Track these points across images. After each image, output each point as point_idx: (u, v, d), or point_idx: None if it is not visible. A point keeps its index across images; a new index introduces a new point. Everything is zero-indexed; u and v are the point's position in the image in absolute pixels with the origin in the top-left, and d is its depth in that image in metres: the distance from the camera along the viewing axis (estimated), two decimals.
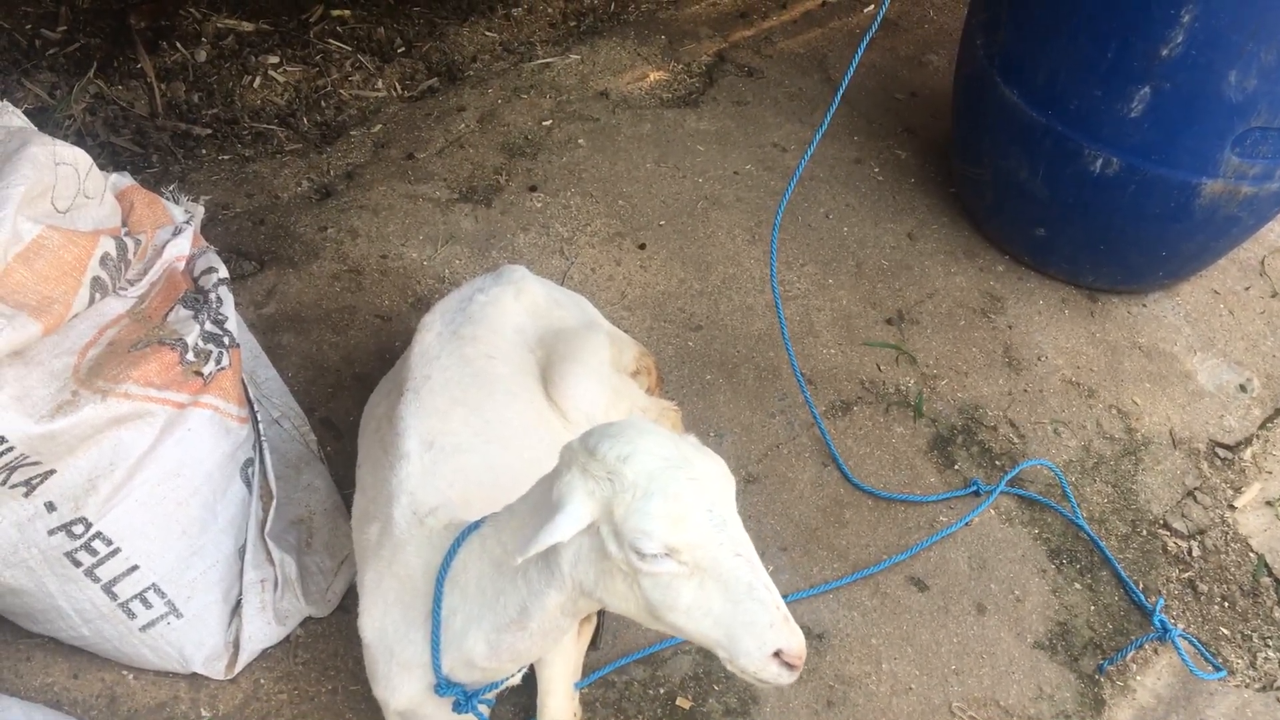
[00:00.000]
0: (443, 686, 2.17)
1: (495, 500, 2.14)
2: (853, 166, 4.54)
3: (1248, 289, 4.27)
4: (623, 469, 1.76)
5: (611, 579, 1.83)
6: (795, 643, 1.78)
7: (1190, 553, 3.38)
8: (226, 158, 4.20)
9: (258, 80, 4.51)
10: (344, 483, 3.06)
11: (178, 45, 4.55)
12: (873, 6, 5.42)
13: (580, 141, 4.47)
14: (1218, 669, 3.09)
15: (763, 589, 1.77)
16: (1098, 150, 3.57)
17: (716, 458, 1.88)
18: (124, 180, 2.89)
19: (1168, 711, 3.01)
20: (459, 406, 2.47)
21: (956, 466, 3.49)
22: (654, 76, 4.89)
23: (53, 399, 2.33)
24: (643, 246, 4.04)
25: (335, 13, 4.86)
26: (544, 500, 1.88)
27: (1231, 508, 3.53)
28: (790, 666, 1.79)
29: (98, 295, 2.49)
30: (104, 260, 2.50)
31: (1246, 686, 3.09)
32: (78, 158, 2.58)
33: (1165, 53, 3.26)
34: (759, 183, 4.39)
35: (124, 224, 2.76)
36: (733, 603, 1.77)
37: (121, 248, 2.57)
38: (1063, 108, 3.60)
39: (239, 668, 2.72)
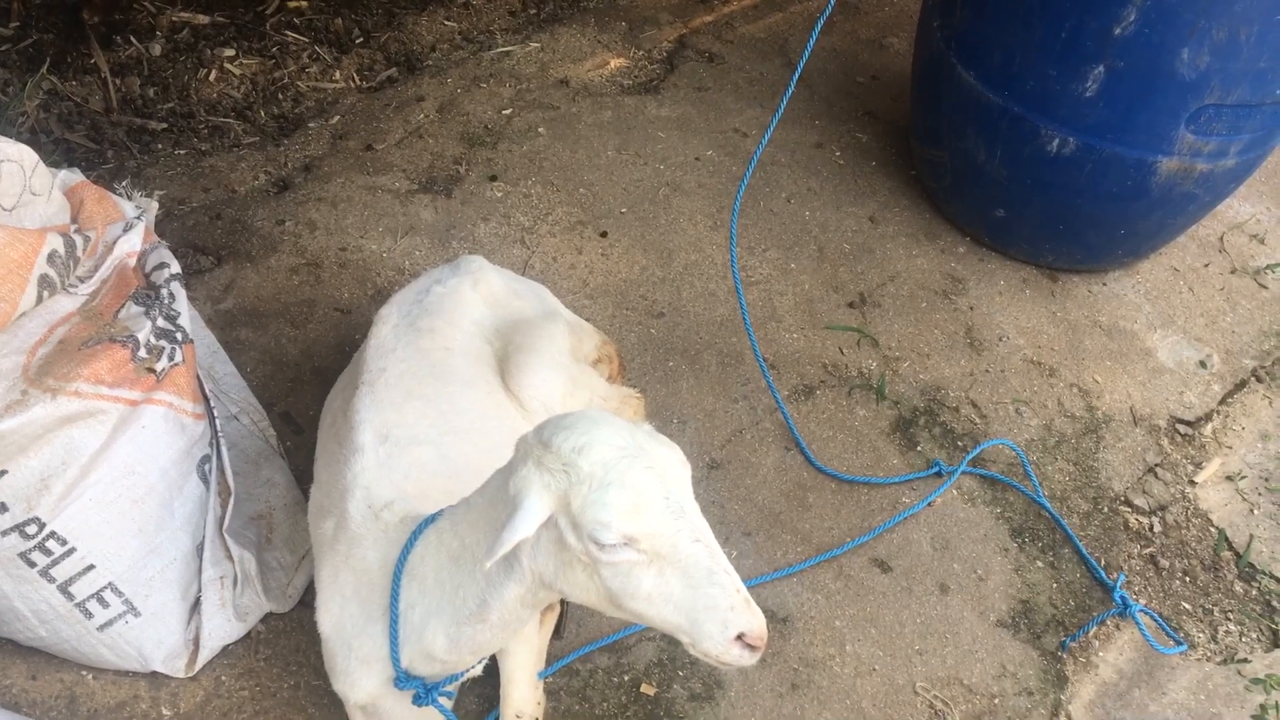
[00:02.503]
0: (402, 680, 2.17)
1: (452, 492, 2.13)
2: (814, 151, 4.54)
3: (1207, 266, 4.30)
4: (578, 460, 1.76)
5: (571, 569, 1.83)
6: (756, 624, 1.79)
7: (1151, 529, 3.41)
8: (182, 152, 4.16)
9: (213, 73, 4.47)
10: (304, 478, 3.03)
11: (132, 39, 4.50)
12: None
13: (540, 130, 4.45)
14: (1179, 643, 3.12)
15: (722, 573, 1.78)
16: (1054, 130, 3.59)
17: (672, 445, 1.88)
18: (73, 177, 2.85)
19: (1130, 686, 3.04)
20: (414, 399, 2.46)
21: (919, 448, 3.50)
22: (614, 63, 4.87)
23: (1, 399, 2.30)
24: (604, 234, 4.03)
25: (291, 4, 4.82)
26: (500, 494, 1.88)
27: (1192, 483, 3.55)
28: (752, 648, 1.81)
29: (46, 293, 2.46)
30: (52, 258, 2.46)
31: (1208, 660, 3.12)
32: (23, 154, 2.54)
33: (1118, 31, 3.28)
34: (720, 168, 4.39)
35: (73, 221, 2.72)
36: (693, 588, 1.78)
37: (70, 245, 2.54)
38: (1019, 88, 3.62)
39: (199, 665, 2.71)
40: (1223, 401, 3.82)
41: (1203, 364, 3.92)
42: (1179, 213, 3.81)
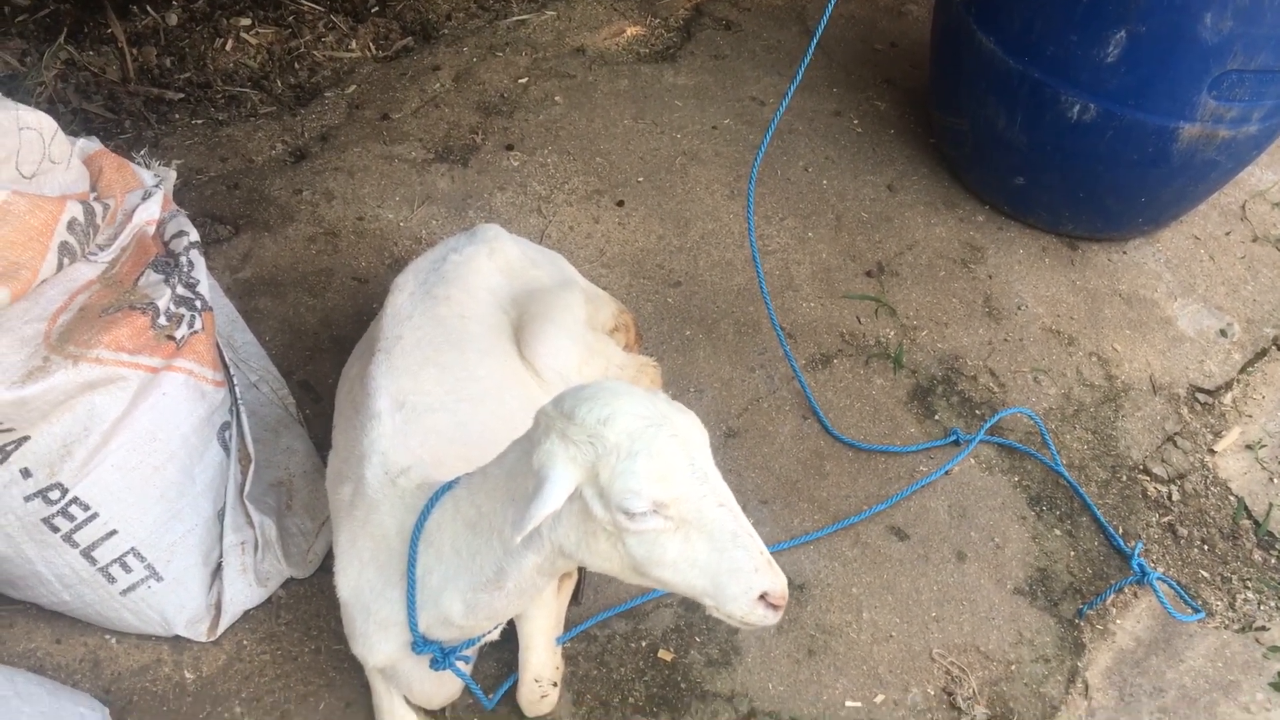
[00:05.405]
0: (420, 644, 2.19)
1: (468, 459, 2.14)
2: (832, 119, 4.51)
3: (1228, 234, 4.26)
4: (604, 431, 1.77)
5: (595, 540, 1.84)
6: (779, 584, 1.82)
7: (1170, 497, 3.40)
8: (199, 122, 4.17)
9: (230, 43, 4.46)
10: (323, 445, 3.05)
11: (148, 9, 4.50)
12: None
13: (557, 99, 4.44)
14: (1196, 611, 3.11)
15: (746, 535, 1.81)
16: (1075, 97, 3.56)
17: (689, 412, 1.89)
18: (92, 145, 2.86)
19: (1147, 654, 3.04)
20: (430, 366, 2.46)
21: (936, 416, 3.50)
22: (631, 31, 4.85)
23: (24, 365, 2.32)
24: (621, 204, 4.02)
25: None
26: (520, 465, 1.89)
27: (1211, 452, 3.54)
28: (775, 607, 1.84)
29: (66, 260, 2.47)
30: (71, 225, 2.48)
31: (1226, 628, 3.12)
32: (42, 122, 2.55)
33: None
34: (737, 137, 4.37)
35: (92, 189, 2.74)
36: (718, 552, 1.80)
37: (90, 213, 2.56)
38: (1039, 54, 3.58)
39: (221, 630, 2.74)
40: (1243, 370, 3.80)
41: (1223, 332, 3.89)
42: (1200, 180, 3.77)
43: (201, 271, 2.75)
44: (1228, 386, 3.74)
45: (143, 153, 3.77)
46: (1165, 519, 3.34)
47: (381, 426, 2.31)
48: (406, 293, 2.71)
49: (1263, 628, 3.11)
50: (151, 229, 2.78)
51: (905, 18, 5.11)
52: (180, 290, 2.63)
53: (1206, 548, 3.30)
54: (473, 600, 2.08)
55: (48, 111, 2.58)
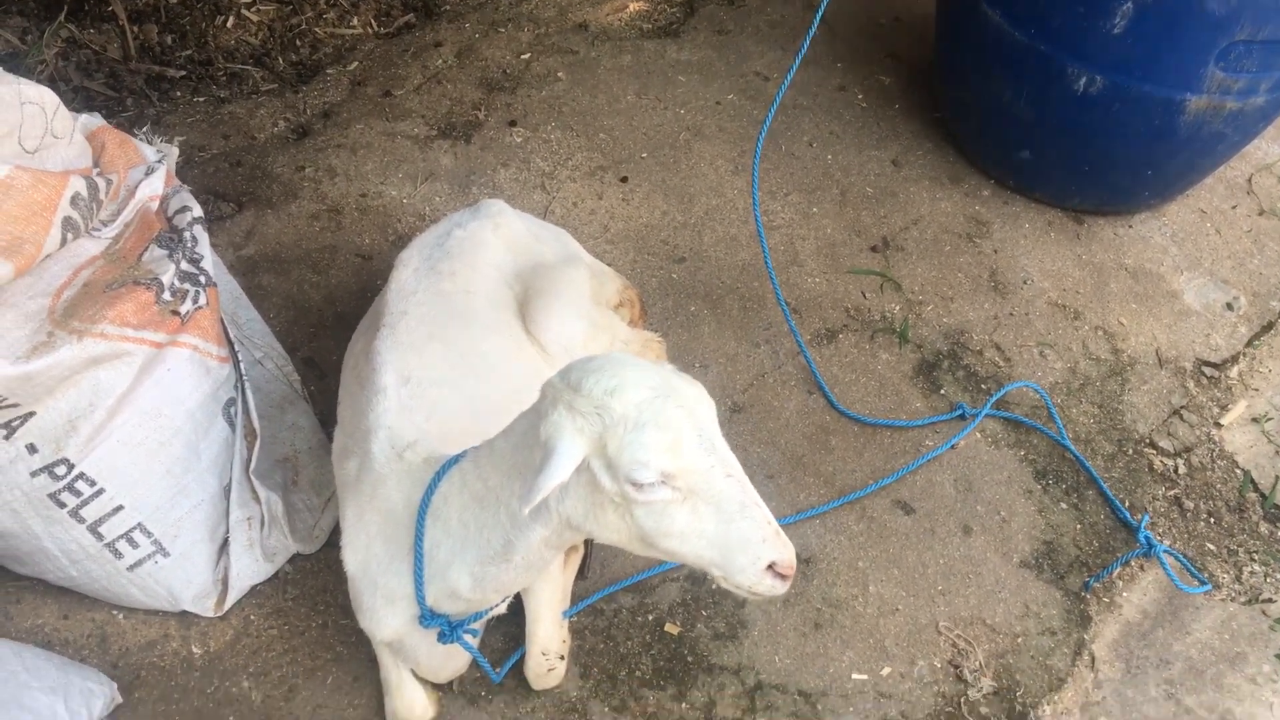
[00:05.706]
0: (427, 618, 2.19)
1: (473, 433, 2.14)
2: (836, 94, 4.49)
3: (1234, 207, 4.25)
4: (611, 403, 1.76)
5: (602, 511, 1.84)
6: (787, 554, 1.82)
7: (1176, 470, 3.40)
8: (201, 99, 4.15)
9: (231, 20, 4.44)
10: (328, 421, 3.04)
11: None
12: None
13: (560, 75, 4.42)
14: (1203, 583, 3.12)
15: (754, 506, 1.81)
16: (1081, 69, 3.53)
17: (696, 383, 1.89)
18: (94, 121, 2.86)
19: (1153, 626, 3.04)
20: (435, 341, 2.46)
21: (942, 391, 3.49)
22: (634, 7, 4.82)
23: (28, 340, 2.32)
24: (625, 179, 4.01)
25: None
26: (527, 437, 1.88)
27: (1218, 425, 3.53)
28: (783, 577, 1.83)
29: (70, 236, 2.47)
30: (75, 200, 2.47)
31: (1232, 600, 3.12)
32: (44, 97, 2.54)
33: None
34: (741, 112, 4.35)
35: (95, 164, 2.73)
36: (726, 522, 1.79)
37: (93, 188, 2.55)
38: (1045, 26, 3.56)
39: (228, 605, 2.74)
40: (1249, 344, 3.79)
41: (1229, 306, 3.88)
42: (1207, 153, 3.75)
43: (205, 247, 2.74)
44: (1234, 360, 3.73)
45: (144, 130, 3.78)
46: (1171, 492, 3.34)
47: (387, 401, 2.30)
48: (411, 268, 2.70)
49: (1269, 600, 3.11)
50: (155, 205, 2.78)
51: None
52: (184, 266, 2.62)
53: (1213, 520, 3.29)
54: (480, 573, 2.08)
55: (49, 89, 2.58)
